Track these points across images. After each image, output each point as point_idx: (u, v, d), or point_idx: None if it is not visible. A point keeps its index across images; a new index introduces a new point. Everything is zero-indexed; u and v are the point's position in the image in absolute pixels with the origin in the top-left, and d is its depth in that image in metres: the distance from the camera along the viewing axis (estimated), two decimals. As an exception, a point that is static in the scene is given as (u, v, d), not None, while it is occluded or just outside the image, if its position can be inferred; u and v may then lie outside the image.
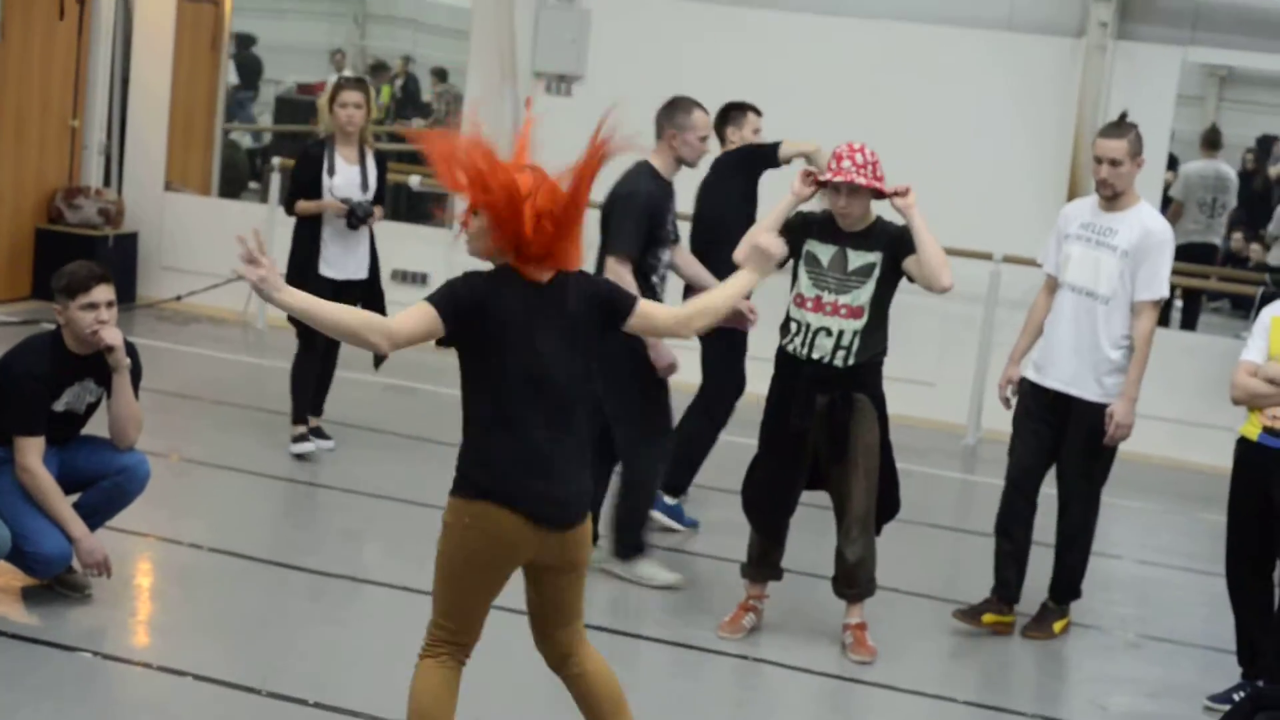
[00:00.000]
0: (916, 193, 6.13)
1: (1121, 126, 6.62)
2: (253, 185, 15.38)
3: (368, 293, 8.59)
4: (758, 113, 8.05)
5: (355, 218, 8.40)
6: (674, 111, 6.93)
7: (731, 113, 8.06)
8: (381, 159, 8.70)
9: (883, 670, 6.30)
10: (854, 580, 6.40)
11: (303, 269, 8.44)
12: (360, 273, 8.59)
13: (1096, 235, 6.57)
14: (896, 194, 6.09)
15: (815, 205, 6.38)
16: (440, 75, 18.02)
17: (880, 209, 6.27)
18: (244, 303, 12.07)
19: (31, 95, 12.00)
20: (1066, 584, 6.87)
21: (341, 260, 8.52)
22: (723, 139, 7.97)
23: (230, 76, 14.77)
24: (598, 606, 6.59)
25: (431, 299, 4.24)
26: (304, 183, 8.57)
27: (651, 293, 6.68)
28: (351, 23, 19.82)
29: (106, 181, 12.65)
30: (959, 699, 6.12)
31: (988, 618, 6.80)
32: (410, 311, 4.24)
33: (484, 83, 11.95)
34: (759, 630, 6.53)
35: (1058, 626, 6.87)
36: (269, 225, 11.96)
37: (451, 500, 4.33)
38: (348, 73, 17.88)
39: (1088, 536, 6.81)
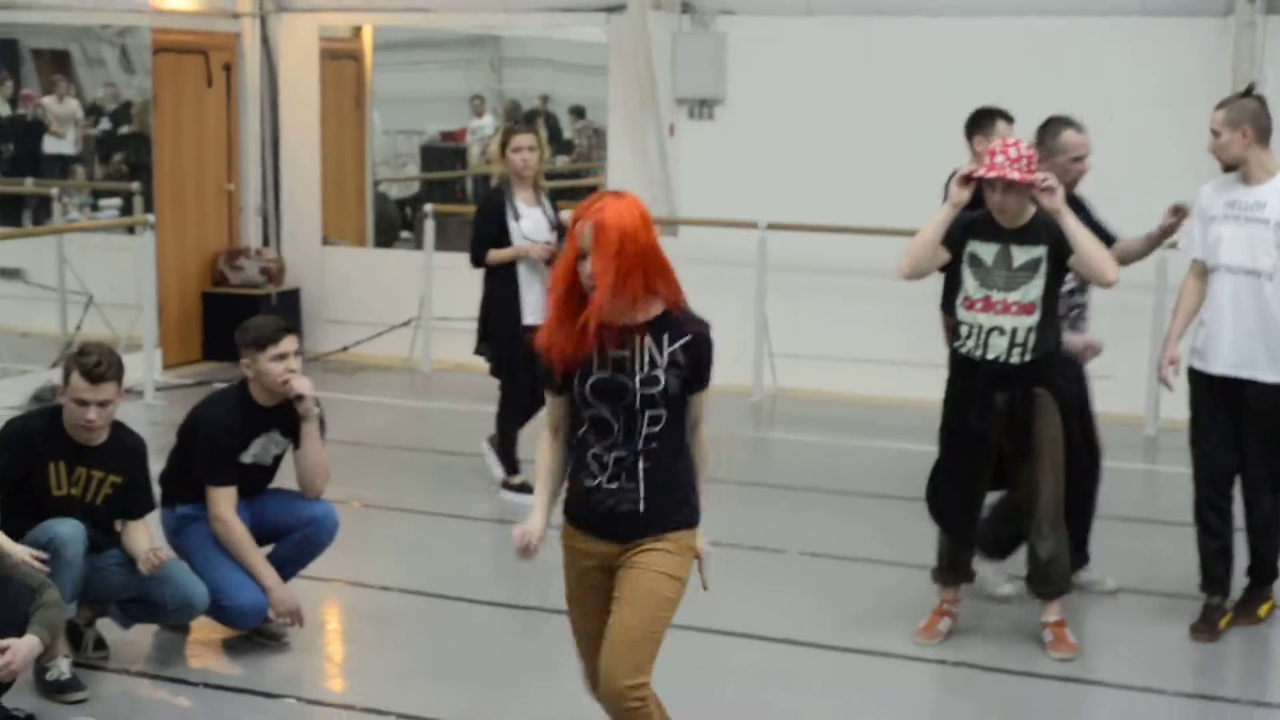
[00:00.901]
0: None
1: (1229, 98, 6.46)
2: (404, 234, 15.60)
3: None
4: (1008, 120, 7.64)
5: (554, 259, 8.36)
6: (1043, 135, 6.71)
7: (981, 120, 7.72)
8: (552, 199, 8.68)
9: (1085, 666, 6.17)
10: (1049, 577, 6.28)
11: (509, 321, 8.27)
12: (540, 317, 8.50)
13: (1244, 212, 6.39)
14: (1040, 187, 5.98)
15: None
16: (578, 113, 18.14)
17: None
18: (409, 348, 12.22)
19: (187, 163, 12.28)
20: (1267, 567, 6.68)
21: (535, 307, 8.27)
22: (971, 148, 7.62)
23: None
24: (793, 620, 6.57)
25: None
26: (490, 232, 8.42)
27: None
28: (488, 68, 20.03)
29: (265, 241, 12.89)
30: (1168, 690, 5.98)
31: (1224, 623, 6.59)
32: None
33: (625, 114, 12.00)
34: (955, 634, 6.44)
35: (1263, 610, 6.68)
36: (426, 272, 12.12)
37: (691, 532, 4.40)
38: (487, 118, 18.12)
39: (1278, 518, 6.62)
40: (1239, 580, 6.69)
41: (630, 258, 4.15)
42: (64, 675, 5.62)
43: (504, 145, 8.35)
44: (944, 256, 6.19)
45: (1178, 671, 6.24)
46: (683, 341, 4.28)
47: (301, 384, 6.08)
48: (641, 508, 4.30)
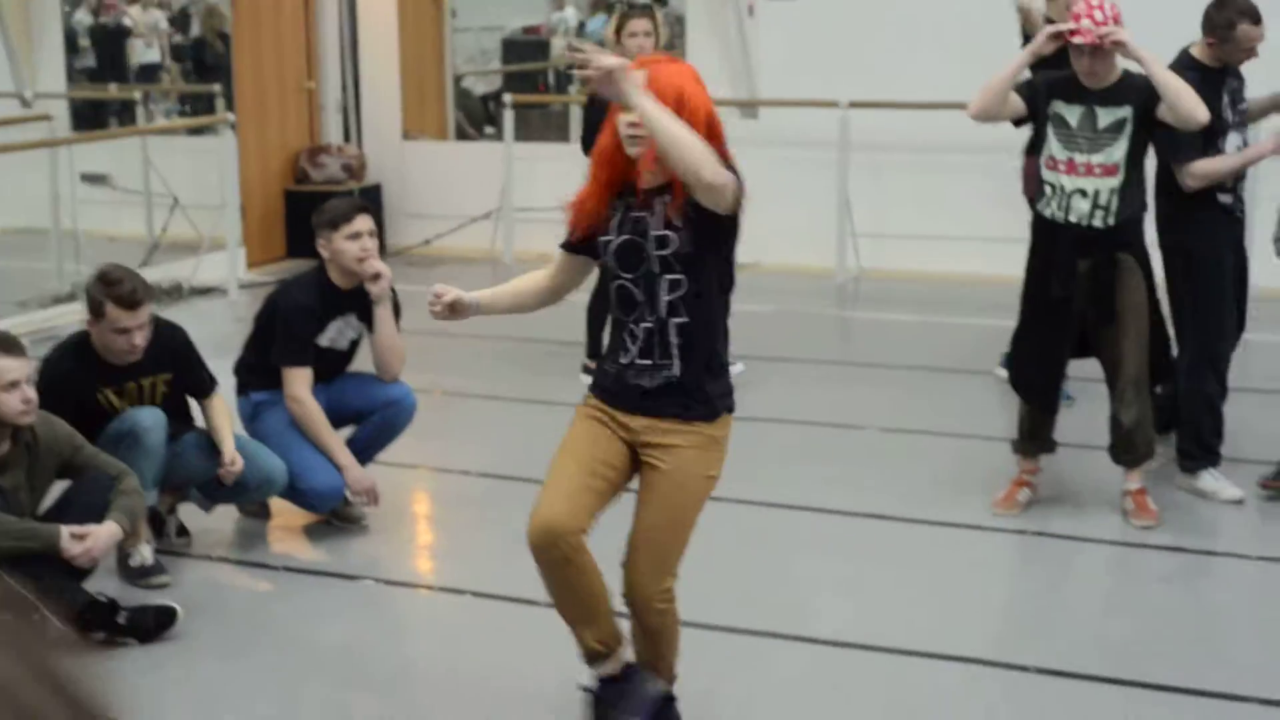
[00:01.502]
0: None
1: None
2: (488, 129, 15.57)
3: None
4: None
5: None
6: (1215, 16, 6.36)
7: None
8: None
9: (1167, 534, 6.09)
10: (1132, 445, 6.19)
11: None
12: None
13: None
14: (1110, 42, 5.82)
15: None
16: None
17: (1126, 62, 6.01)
18: (490, 240, 12.23)
19: (266, 62, 12.29)
20: None
21: None
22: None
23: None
24: (869, 494, 6.53)
25: None
26: (599, 120, 8.29)
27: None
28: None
29: (346, 137, 12.91)
30: (1251, 555, 5.89)
31: None
32: None
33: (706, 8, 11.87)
34: (1035, 504, 6.37)
35: None
36: (506, 163, 12.09)
37: (725, 420, 4.20)
38: (569, 9, 17.96)
39: None
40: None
41: (687, 114, 3.95)
42: (147, 561, 5.69)
43: (618, 30, 8.11)
44: (1018, 106, 6.06)
45: (1264, 535, 6.14)
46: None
47: (379, 264, 6.09)
48: (678, 376, 4.08)
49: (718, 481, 4.20)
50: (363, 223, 6.07)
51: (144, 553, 5.69)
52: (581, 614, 4.20)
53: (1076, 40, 5.86)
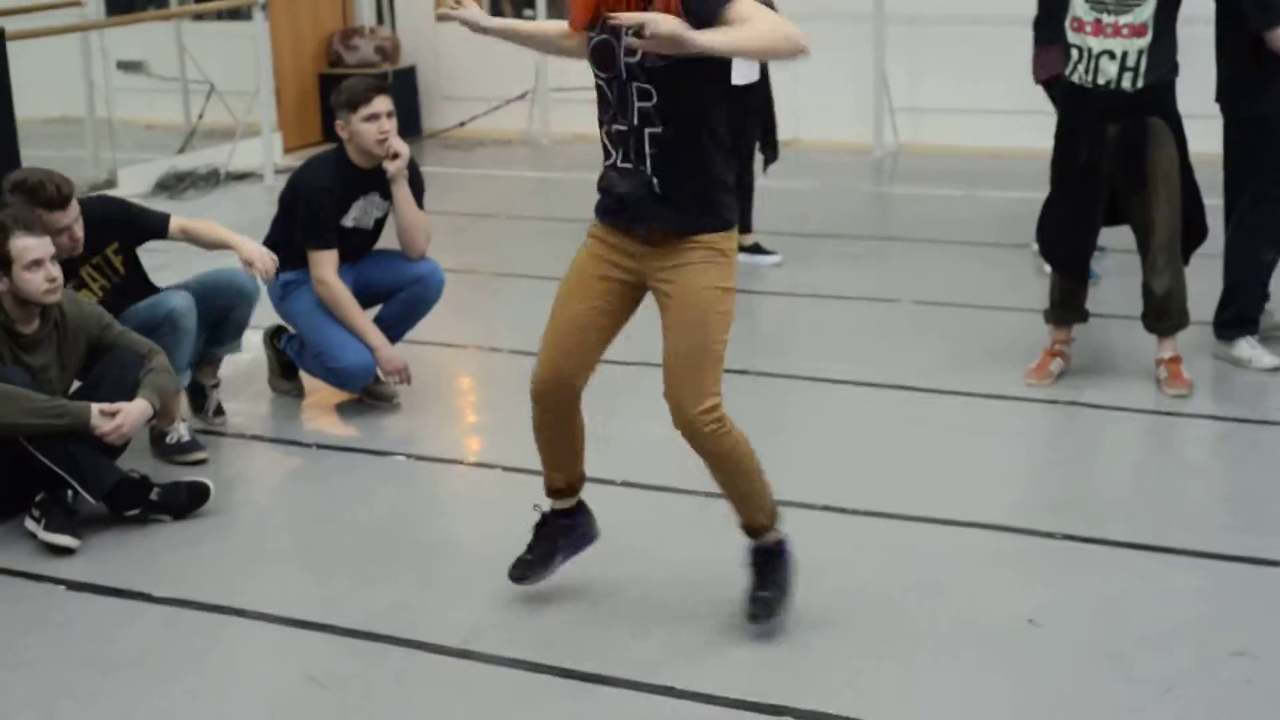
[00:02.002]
0: None
1: None
2: (527, 12, 15.43)
3: None
4: None
5: None
6: None
7: None
8: None
9: (1200, 403, 6.06)
10: (1165, 313, 6.13)
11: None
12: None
13: None
14: None
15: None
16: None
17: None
18: (527, 121, 12.17)
19: (297, -56, 12.20)
20: None
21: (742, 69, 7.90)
22: None
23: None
24: (902, 366, 6.51)
25: None
26: None
27: None
28: None
29: (380, 20, 12.83)
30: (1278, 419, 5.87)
31: None
32: None
33: None
34: (1067, 374, 6.33)
35: None
36: (541, 42, 11.99)
37: (727, 235, 4.18)
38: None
39: None
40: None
41: None
42: (184, 438, 5.74)
43: None
44: None
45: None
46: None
47: (397, 144, 6.06)
48: (657, 189, 4.05)
49: (734, 295, 4.16)
50: (380, 104, 6.03)
51: (180, 430, 5.74)
52: (557, 458, 4.48)
53: None
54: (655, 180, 4.07)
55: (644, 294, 4.28)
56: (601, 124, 4.15)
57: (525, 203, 10.35)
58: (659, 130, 4.03)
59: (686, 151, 4.07)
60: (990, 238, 8.66)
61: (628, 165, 4.10)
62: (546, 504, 4.58)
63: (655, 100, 4.00)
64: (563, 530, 4.56)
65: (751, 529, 4.36)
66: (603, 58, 4.07)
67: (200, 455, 5.72)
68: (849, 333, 7.16)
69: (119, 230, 5.81)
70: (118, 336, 5.36)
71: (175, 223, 5.86)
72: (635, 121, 4.04)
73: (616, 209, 4.17)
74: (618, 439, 5.53)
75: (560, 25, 4.37)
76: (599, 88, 4.12)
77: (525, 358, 6.87)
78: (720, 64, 4.08)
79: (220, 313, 5.97)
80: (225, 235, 5.86)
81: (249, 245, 5.81)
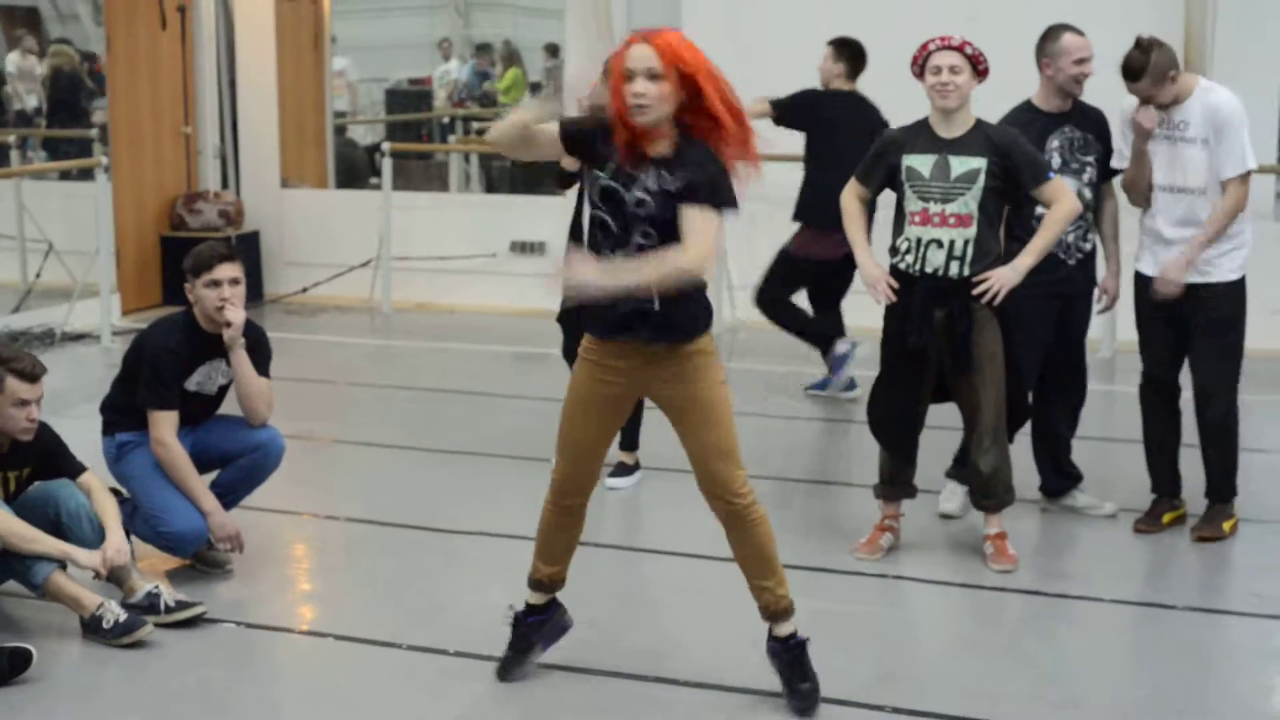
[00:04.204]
0: None
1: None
2: (374, 180, 15.57)
3: None
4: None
5: None
6: (1043, 42, 6.70)
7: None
8: None
9: (1026, 577, 6.21)
10: (990, 490, 6.30)
11: None
12: None
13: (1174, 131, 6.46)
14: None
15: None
16: (552, 50, 17.99)
17: (980, 109, 6.17)
18: (369, 288, 12.22)
19: (142, 106, 12.22)
20: (1221, 481, 6.70)
21: None
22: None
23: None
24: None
25: None
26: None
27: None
28: (454, 13, 19.94)
29: (224, 184, 12.87)
30: (1106, 598, 6.01)
31: (1167, 517, 6.75)
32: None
33: (583, 52, 11.95)
34: (897, 549, 6.46)
35: (1227, 526, 6.70)
36: (385, 212, 12.11)
37: (709, 335, 4.78)
38: (454, 63, 18.02)
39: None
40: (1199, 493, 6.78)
41: (689, 77, 4.49)
42: (120, 617, 5.51)
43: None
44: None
45: (1119, 579, 6.26)
46: (681, 174, 4.53)
47: (232, 314, 6.06)
48: (656, 308, 4.58)
49: (727, 385, 4.79)
50: (224, 270, 6.05)
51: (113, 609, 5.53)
52: (551, 554, 5.04)
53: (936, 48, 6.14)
54: (653, 304, 4.58)
55: (643, 398, 5.07)
56: (593, 248, 4.63)
57: (365, 370, 10.36)
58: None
59: None
60: (824, 414, 8.84)
61: None
62: (520, 603, 5.11)
63: (655, 238, 4.57)
64: (534, 627, 5.11)
65: (776, 611, 4.90)
66: (609, 199, 4.61)
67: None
68: (671, 503, 7.18)
69: (37, 460, 5.79)
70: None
71: (87, 478, 5.83)
72: (634, 253, 4.56)
73: (618, 326, 4.67)
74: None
75: (552, 133, 4.68)
76: (598, 218, 4.63)
77: (361, 525, 6.94)
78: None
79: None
80: (105, 520, 5.72)
81: (90, 556, 5.58)
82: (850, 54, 9.02)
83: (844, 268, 8.46)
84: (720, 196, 4.55)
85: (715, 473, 4.77)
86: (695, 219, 4.50)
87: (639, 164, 4.57)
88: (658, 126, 4.53)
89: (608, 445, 4.97)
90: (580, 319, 4.93)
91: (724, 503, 4.80)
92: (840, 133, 8.75)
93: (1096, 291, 6.92)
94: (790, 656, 4.90)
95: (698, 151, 4.55)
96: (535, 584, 5.09)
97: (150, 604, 5.63)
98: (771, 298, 9.21)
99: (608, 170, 4.60)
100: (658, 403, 4.85)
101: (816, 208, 8.74)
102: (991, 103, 6.46)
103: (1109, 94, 6.65)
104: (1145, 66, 6.32)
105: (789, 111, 8.87)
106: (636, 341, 4.69)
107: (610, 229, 4.61)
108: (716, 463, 4.76)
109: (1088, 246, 6.78)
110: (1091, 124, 6.74)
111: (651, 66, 4.45)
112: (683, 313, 4.66)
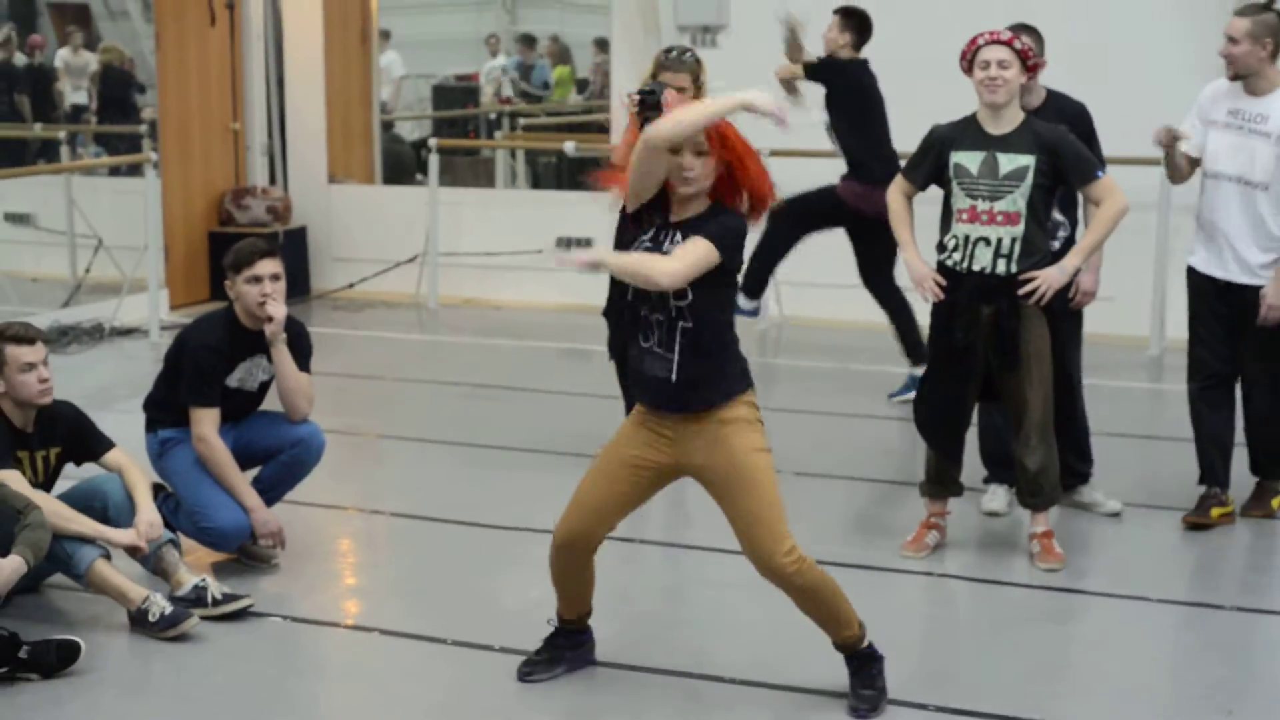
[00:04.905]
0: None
1: (1250, 6, 6.44)
2: (420, 177, 15.60)
3: None
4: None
5: None
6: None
7: None
8: None
9: (1071, 576, 6.16)
10: (1037, 489, 6.26)
11: None
12: None
13: (1247, 123, 6.44)
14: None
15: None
16: (602, 45, 17.94)
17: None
18: (415, 284, 12.25)
19: (191, 102, 12.28)
20: (1271, 461, 6.78)
21: None
22: None
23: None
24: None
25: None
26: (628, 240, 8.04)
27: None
28: (501, 8, 19.97)
29: (272, 180, 12.91)
30: (1152, 597, 5.96)
31: (1215, 512, 6.70)
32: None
33: (629, 46, 11.94)
34: (943, 547, 6.43)
35: (1275, 503, 6.78)
36: (431, 207, 12.13)
37: (750, 394, 4.74)
38: (501, 59, 18.03)
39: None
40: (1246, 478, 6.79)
41: (720, 142, 4.60)
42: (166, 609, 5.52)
43: (654, 76, 7.10)
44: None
45: (1166, 578, 6.21)
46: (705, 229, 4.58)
47: (274, 308, 6.07)
48: (674, 376, 4.61)
49: (771, 452, 4.72)
50: (265, 266, 6.06)
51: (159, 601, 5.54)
52: (570, 598, 5.08)
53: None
54: (690, 367, 4.61)
55: (675, 478, 4.88)
56: (634, 310, 4.69)
57: (411, 365, 10.38)
58: (689, 325, 4.62)
59: (713, 338, 4.65)
60: (868, 410, 8.81)
61: (660, 350, 4.65)
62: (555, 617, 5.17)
63: (688, 301, 4.59)
64: (570, 644, 5.15)
65: (843, 645, 4.89)
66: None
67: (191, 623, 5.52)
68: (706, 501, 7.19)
69: (65, 439, 5.81)
70: (-6, 493, 5.31)
71: (116, 455, 5.86)
72: (672, 315, 4.61)
73: (657, 395, 4.70)
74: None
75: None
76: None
77: (406, 520, 6.96)
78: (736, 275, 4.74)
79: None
80: (136, 496, 5.75)
81: (124, 534, 5.64)
82: (858, 24, 8.92)
83: (887, 230, 8.32)
84: (723, 240, 4.56)
85: (754, 542, 4.71)
86: (690, 243, 4.55)
87: (674, 227, 4.67)
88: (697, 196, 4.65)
89: (618, 517, 4.91)
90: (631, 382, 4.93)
91: (768, 572, 4.75)
92: (878, 95, 8.88)
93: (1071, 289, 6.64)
94: (857, 663, 4.92)
95: (723, 215, 4.64)
96: (563, 621, 5.14)
97: (197, 597, 5.65)
98: (794, 220, 9.00)
99: (649, 234, 4.68)
100: (698, 478, 4.81)
101: (872, 164, 8.68)
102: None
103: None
104: (1258, 13, 6.36)
105: (832, 73, 8.87)
106: (665, 413, 4.72)
107: (649, 292, 4.64)
108: (754, 531, 4.70)
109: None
110: (1066, 122, 6.39)
111: (698, 142, 4.55)
112: (704, 382, 4.64)
